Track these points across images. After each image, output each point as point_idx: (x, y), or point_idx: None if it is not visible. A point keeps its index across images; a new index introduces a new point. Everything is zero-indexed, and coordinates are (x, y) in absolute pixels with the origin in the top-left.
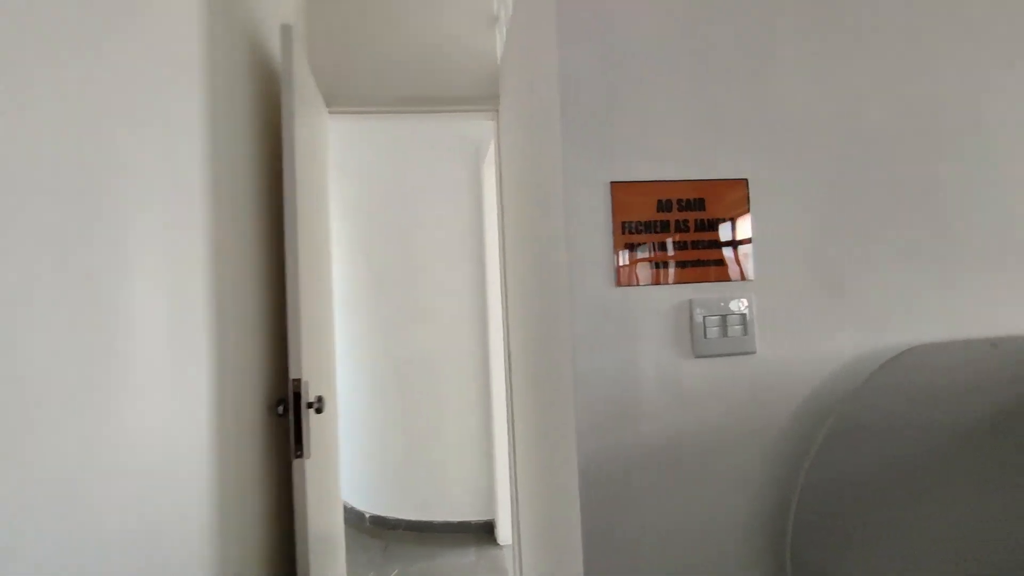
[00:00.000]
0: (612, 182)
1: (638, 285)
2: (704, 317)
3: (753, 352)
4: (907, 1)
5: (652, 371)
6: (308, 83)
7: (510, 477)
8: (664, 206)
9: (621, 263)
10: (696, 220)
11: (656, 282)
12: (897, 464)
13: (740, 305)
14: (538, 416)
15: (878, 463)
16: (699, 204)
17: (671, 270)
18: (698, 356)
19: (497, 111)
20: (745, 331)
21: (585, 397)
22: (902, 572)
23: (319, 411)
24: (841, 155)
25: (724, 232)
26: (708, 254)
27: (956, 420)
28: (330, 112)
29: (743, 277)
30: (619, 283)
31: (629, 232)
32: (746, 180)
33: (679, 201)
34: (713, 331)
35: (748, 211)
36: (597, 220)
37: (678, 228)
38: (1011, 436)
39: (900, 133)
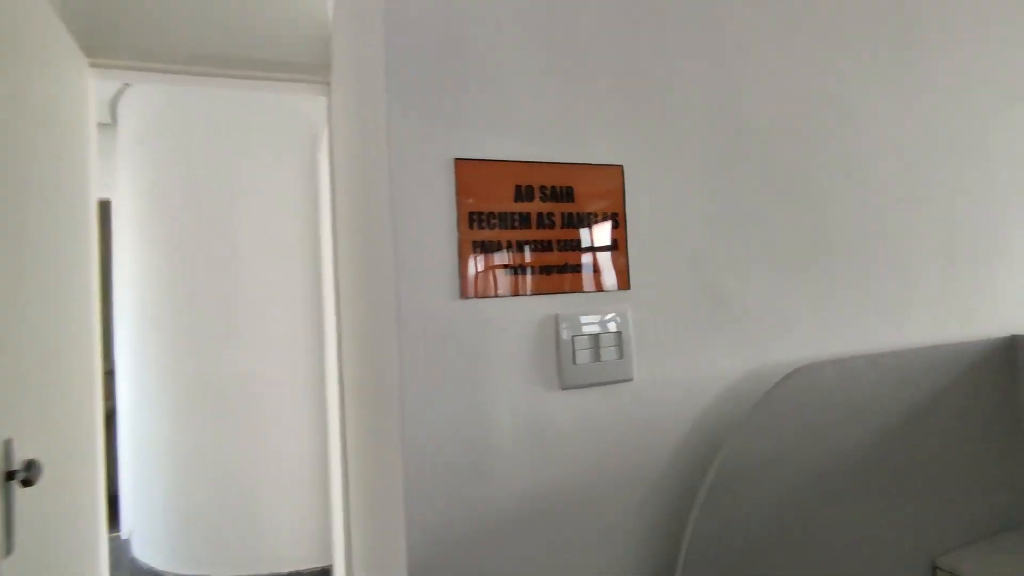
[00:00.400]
0: (457, 159)
1: (490, 297)
2: (573, 337)
3: (630, 379)
4: None
5: (507, 410)
6: (37, 8)
7: (344, 526)
8: (524, 194)
9: (467, 267)
10: (563, 214)
11: (514, 292)
12: (790, 499)
13: (616, 321)
14: (370, 464)
15: (771, 501)
16: (567, 194)
17: (532, 277)
18: (566, 388)
19: (329, 84)
20: (621, 353)
21: (416, 451)
22: None
23: (27, 483)
24: (725, 152)
25: (598, 232)
26: (578, 257)
27: (844, 446)
28: (92, 64)
29: (619, 286)
30: (465, 294)
31: (479, 226)
32: (621, 167)
33: (543, 189)
34: (584, 355)
35: (624, 206)
36: (436, 209)
37: (541, 223)
38: (895, 455)
39: (783, 134)
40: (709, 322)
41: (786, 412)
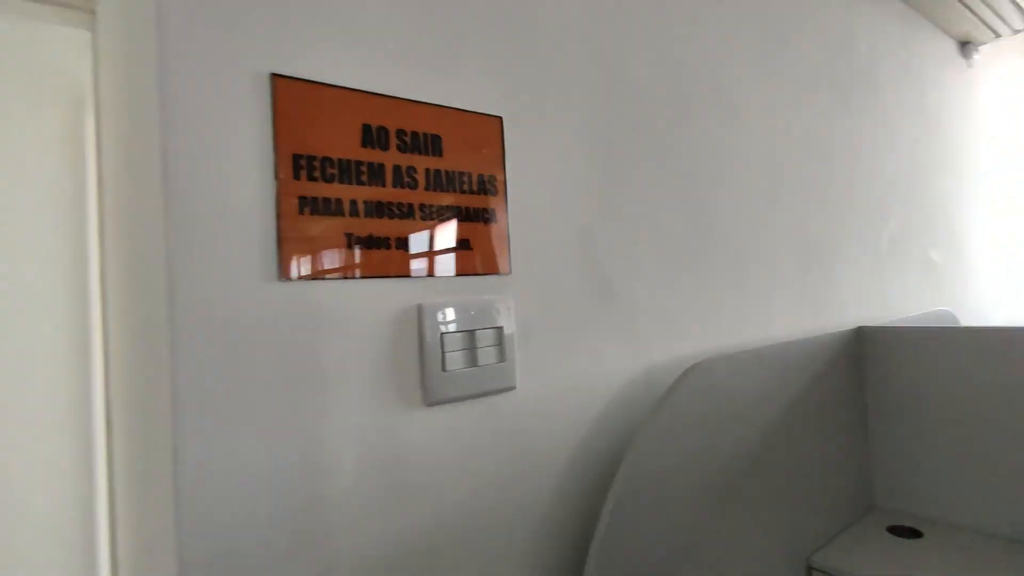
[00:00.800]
0: (276, 76)
1: (326, 278)
2: (442, 336)
3: (513, 387)
4: None
5: (348, 443)
6: None
7: None
8: (377, 138)
9: (290, 235)
10: (429, 171)
11: (360, 273)
12: (691, 506)
13: (497, 314)
14: (139, 532)
15: (675, 510)
16: (434, 144)
17: (386, 254)
18: (432, 403)
19: (94, 13)
20: (502, 355)
21: (197, 521)
22: None
23: None
24: (611, 119)
25: (474, 198)
26: (448, 230)
27: (734, 446)
28: None
29: (499, 269)
30: (286, 274)
31: (310, 176)
32: (501, 119)
33: (402, 135)
34: (456, 358)
35: (504, 167)
36: (240, 148)
37: (399, 181)
38: (774, 452)
39: (665, 107)
40: (599, 315)
41: (684, 413)
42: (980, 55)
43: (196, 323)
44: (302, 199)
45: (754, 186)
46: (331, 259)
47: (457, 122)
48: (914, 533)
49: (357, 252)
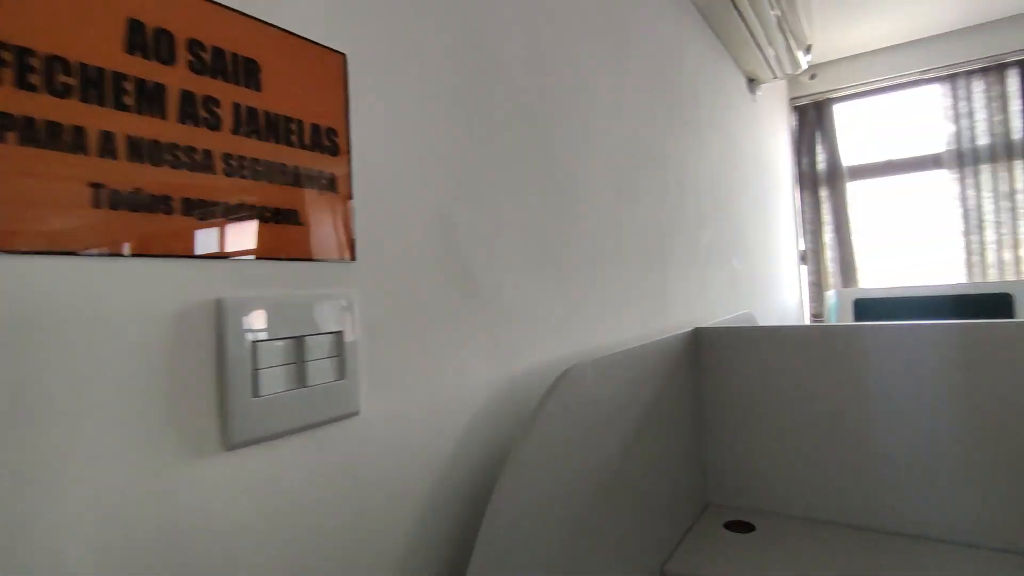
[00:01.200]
0: None
1: (52, 252)
2: (255, 344)
3: (356, 412)
4: None
5: (93, 515)
6: None
7: None
8: (154, 45)
9: None
10: (241, 108)
11: (131, 248)
12: (566, 527)
13: (337, 315)
14: None
15: (550, 537)
16: (248, 72)
17: (165, 221)
18: (236, 445)
19: None
20: (342, 371)
21: None
22: None
23: None
24: (475, 88)
25: (305, 154)
26: (266, 194)
27: (600, 453)
28: None
29: (339, 255)
30: None
31: (22, 83)
32: (344, 57)
33: (198, 48)
34: (276, 376)
35: (347, 120)
36: None
37: (188, 113)
38: (630, 457)
39: (529, 86)
40: (462, 313)
41: (560, 423)
42: (761, 91)
43: None
44: (4, 116)
45: (606, 187)
46: (63, 223)
47: (284, 49)
48: (748, 527)
49: (113, 216)
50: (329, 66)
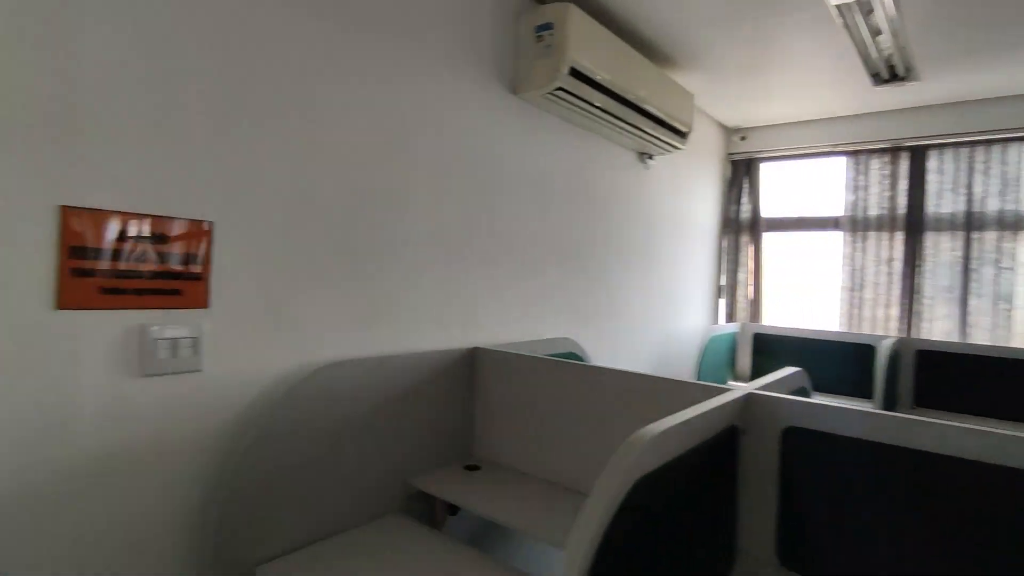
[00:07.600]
0: (63, 206)
1: (89, 309)
2: (156, 340)
3: (199, 370)
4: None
5: (91, 391)
6: None
7: None
8: (129, 236)
9: (66, 285)
10: (160, 252)
11: (115, 306)
12: (311, 454)
13: (193, 329)
14: None
15: (295, 462)
16: (162, 238)
17: (125, 297)
18: (147, 375)
19: None
20: (195, 351)
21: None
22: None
23: None
24: (292, 208)
25: (187, 265)
26: (168, 284)
27: (346, 419)
28: None
29: (201, 305)
30: (63, 305)
31: (79, 257)
32: (212, 222)
33: (137, 235)
34: (164, 352)
35: (210, 247)
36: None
37: (139, 258)
38: (365, 436)
39: (333, 196)
40: (271, 332)
41: (307, 397)
42: (654, 160)
43: (7, 327)
44: (76, 270)
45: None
46: (91, 298)
47: (179, 224)
48: (476, 468)
49: (111, 297)
50: (203, 226)
